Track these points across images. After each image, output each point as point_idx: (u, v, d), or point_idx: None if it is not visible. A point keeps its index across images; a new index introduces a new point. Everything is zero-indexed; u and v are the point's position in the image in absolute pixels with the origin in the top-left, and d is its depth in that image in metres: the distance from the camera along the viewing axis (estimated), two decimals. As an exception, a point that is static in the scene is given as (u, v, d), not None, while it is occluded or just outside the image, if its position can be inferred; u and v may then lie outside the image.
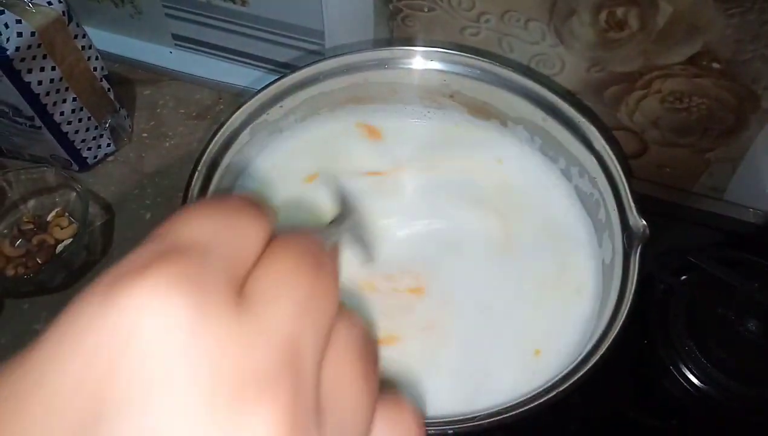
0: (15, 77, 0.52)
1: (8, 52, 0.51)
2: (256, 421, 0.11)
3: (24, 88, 0.54)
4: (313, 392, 0.13)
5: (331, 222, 0.21)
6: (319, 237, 0.16)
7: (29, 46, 0.52)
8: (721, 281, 0.46)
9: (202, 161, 0.37)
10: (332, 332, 0.14)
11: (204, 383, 0.11)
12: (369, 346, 0.15)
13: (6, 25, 0.51)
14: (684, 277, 0.48)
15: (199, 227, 0.14)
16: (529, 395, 0.30)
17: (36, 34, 0.52)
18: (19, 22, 0.51)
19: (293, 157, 0.44)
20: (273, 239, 0.15)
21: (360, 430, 0.14)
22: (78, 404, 0.11)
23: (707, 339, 0.46)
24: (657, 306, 0.48)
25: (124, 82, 0.68)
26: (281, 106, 0.43)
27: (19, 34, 0.51)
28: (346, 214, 0.22)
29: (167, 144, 0.64)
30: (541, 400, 0.29)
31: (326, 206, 0.42)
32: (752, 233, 0.54)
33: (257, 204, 0.15)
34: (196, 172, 0.37)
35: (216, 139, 0.38)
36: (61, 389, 0.11)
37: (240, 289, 0.13)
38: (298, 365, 0.12)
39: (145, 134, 0.65)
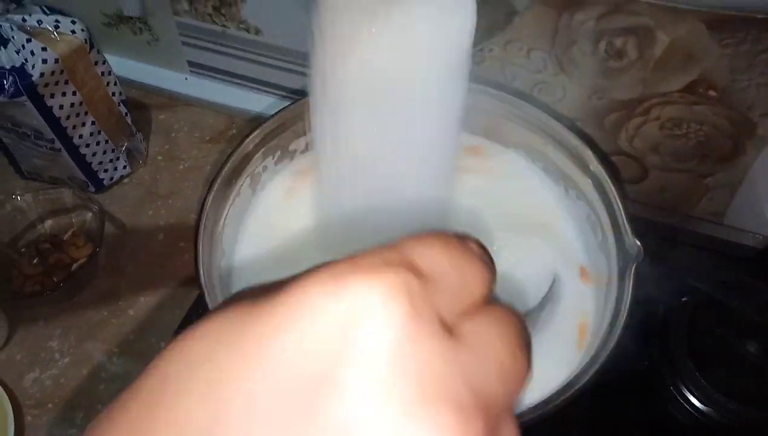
0: (38, 102, 0.55)
1: (33, 78, 0.53)
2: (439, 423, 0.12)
3: (46, 112, 0.56)
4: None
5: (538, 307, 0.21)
6: (528, 322, 0.17)
7: (53, 73, 0.55)
8: (721, 303, 0.47)
9: (217, 182, 0.39)
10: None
11: (408, 383, 0.12)
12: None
13: (32, 53, 0.53)
14: (684, 299, 0.49)
15: (438, 257, 0.15)
16: (525, 408, 0.31)
17: (59, 61, 0.55)
18: (44, 49, 0.54)
19: (304, 181, 0.46)
20: (492, 297, 0.16)
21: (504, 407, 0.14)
22: (303, 370, 0.13)
23: (707, 360, 0.46)
24: (657, 328, 0.49)
25: (140, 107, 0.70)
26: (293, 131, 0.45)
27: (44, 61, 0.54)
28: (549, 303, 0.22)
29: (181, 167, 0.66)
30: (537, 413, 0.30)
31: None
32: (751, 257, 0.55)
33: (488, 255, 0.16)
34: (211, 192, 0.38)
35: (231, 161, 0.40)
36: (292, 350, 0.13)
37: (450, 327, 0.14)
38: (489, 415, 0.13)
39: (159, 157, 0.67)
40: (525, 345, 0.15)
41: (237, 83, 0.70)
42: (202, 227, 0.37)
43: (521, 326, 0.16)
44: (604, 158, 0.41)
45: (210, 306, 0.35)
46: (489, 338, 0.14)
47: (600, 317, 0.38)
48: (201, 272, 0.36)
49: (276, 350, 0.13)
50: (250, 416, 0.12)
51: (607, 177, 0.40)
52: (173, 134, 0.69)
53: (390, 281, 0.13)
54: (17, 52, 0.53)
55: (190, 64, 0.71)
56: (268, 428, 0.12)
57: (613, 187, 0.40)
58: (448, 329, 0.14)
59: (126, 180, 0.65)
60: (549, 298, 0.22)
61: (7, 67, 0.53)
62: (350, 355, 0.13)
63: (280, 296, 0.14)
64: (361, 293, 0.13)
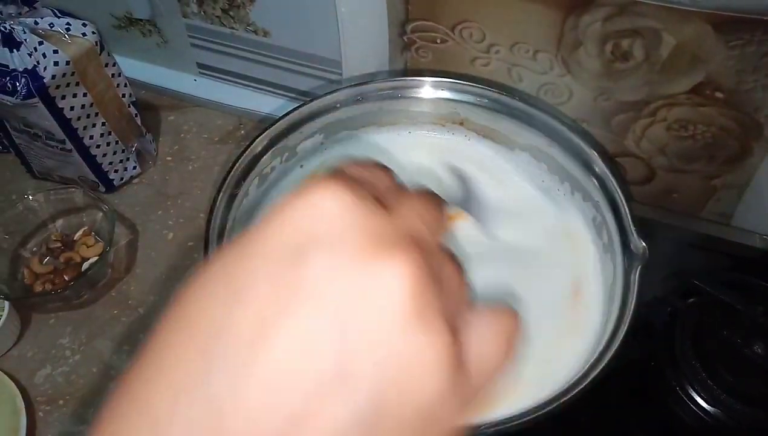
0: (50, 103, 0.56)
1: (45, 80, 0.54)
2: (392, 267, 0.16)
3: (57, 114, 0.57)
4: (434, 267, 0.18)
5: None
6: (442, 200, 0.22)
7: (64, 75, 0.55)
8: (727, 304, 0.47)
9: (227, 182, 0.40)
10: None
11: (364, 235, 0.17)
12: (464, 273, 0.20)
13: (44, 55, 0.54)
14: (691, 300, 0.49)
15: (355, 171, 0.21)
16: (531, 406, 0.31)
17: (71, 63, 0.55)
18: (56, 52, 0.54)
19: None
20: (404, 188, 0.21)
21: (463, 307, 0.19)
22: (282, 243, 0.17)
23: (713, 361, 0.46)
24: (664, 329, 0.49)
25: (150, 108, 0.71)
26: (301, 132, 0.45)
27: (56, 63, 0.54)
28: (464, 189, 0.28)
29: (190, 167, 0.67)
30: (544, 411, 0.30)
31: None
32: (759, 258, 0.55)
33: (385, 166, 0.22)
34: (221, 192, 0.39)
35: (240, 161, 0.41)
36: (270, 237, 0.17)
37: (383, 203, 0.19)
38: (423, 245, 0.18)
39: (169, 158, 0.68)
40: (439, 204, 0.21)
41: (245, 85, 0.71)
42: (212, 227, 0.37)
43: (434, 201, 0.21)
44: (609, 160, 0.42)
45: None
46: (410, 205, 0.20)
47: (607, 318, 0.38)
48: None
49: (260, 247, 0.17)
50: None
51: (612, 178, 0.41)
52: (182, 135, 0.70)
53: (337, 183, 0.18)
54: (29, 55, 0.54)
55: (199, 65, 0.72)
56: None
57: (618, 189, 0.40)
58: (379, 201, 0.19)
59: (136, 180, 0.66)
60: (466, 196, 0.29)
61: (20, 69, 0.54)
62: (317, 233, 0.17)
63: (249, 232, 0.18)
64: (319, 190, 0.17)
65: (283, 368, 0.15)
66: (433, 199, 0.21)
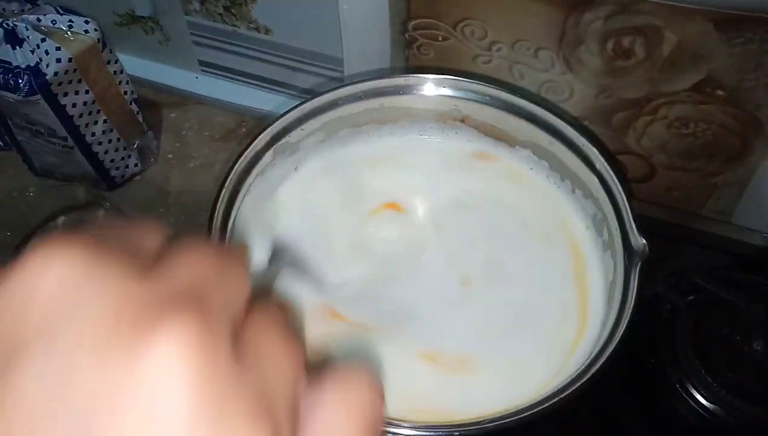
0: (52, 100, 0.56)
1: (47, 77, 0.54)
2: (163, 337, 0.11)
3: (59, 111, 0.57)
4: (224, 327, 0.13)
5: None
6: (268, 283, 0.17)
7: (66, 71, 0.56)
8: (728, 301, 0.47)
9: (229, 179, 0.40)
10: (250, 312, 0.15)
11: (107, 312, 0.12)
12: (288, 326, 0.15)
13: (46, 52, 0.54)
14: (691, 297, 0.49)
15: (100, 229, 0.15)
16: (530, 402, 0.31)
17: (73, 60, 0.56)
18: (58, 49, 0.55)
19: (313, 180, 0.47)
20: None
21: (285, 390, 0.14)
22: None
23: (714, 358, 0.46)
24: (664, 326, 0.49)
25: (151, 106, 0.71)
26: (302, 130, 0.45)
27: (58, 60, 0.55)
28: (278, 254, 0.24)
29: (191, 165, 0.67)
30: (543, 406, 0.31)
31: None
32: (759, 256, 0.55)
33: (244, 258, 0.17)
34: (223, 190, 0.39)
35: (241, 159, 0.41)
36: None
37: (232, 345, 0.13)
38: (203, 301, 0.13)
39: (170, 155, 0.68)
40: (292, 335, 0.15)
41: (247, 82, 0.71)
42: (215, 224, 0.38)
43: (285, 319, 0.15)
44: (609, 157, 0.42)
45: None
46: (263, 350, 0.14)
47: (607, 316, 0.39)
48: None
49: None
50: None
51: (613, 175, 0.41)
52: (184, 133, 0.70)
53: (65, 247, 0.13)
54: (32, 52, 0.54)
55: (201, 63, 0.72)
56: None
57: (619, 185, 0.40)
58: (232, 351, 0.13)
59: (137, 177, 0.66)
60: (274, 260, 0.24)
61: (22, 66, 0.54)
62: (40, 316, 0.12)
63: None
64: (39, 265, 0.13)
65: None
66: (280, 321, 0.15)
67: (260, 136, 0.42)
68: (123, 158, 0.64)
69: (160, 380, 0.11)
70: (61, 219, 0.61)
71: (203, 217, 0.62)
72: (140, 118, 0.65)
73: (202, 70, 0.73)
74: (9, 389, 0.11)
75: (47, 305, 0.12)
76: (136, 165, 0.66)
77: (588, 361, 0.34)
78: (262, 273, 0.18)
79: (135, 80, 0.64)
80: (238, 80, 0.71)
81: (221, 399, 0.11)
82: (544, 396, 0.31)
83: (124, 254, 0.13)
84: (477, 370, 0.38)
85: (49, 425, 0.11)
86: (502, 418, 0.30)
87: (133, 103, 0.64)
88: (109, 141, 0.62)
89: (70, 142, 0.60)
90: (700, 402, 0.46)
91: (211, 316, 0.13)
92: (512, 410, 0.30)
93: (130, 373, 0.11)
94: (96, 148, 0.61)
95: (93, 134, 0.61)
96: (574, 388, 0.32)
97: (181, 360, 0.11)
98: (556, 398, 0.31)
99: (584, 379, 0.32)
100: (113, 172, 0.64)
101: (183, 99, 0.72)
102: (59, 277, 0.12)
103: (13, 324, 0.12)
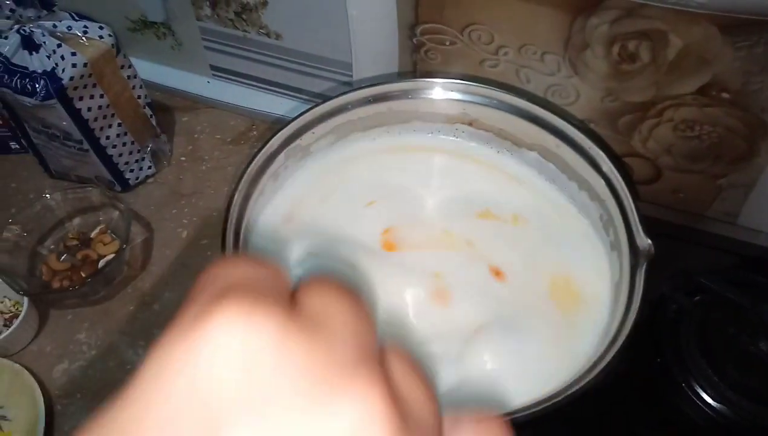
0: (67, 104, 0.57)
1: (63, 82, 0.55)
2: (357, 399, 0.13)
3: (75, 114, 0.58)
4: (400, 389, 0.14)
5: None
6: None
7: (81, 76, 0.57)
8: (733, 302, 0.48)
9: (243, 180, 0.41)
10: (381, 350, 0.15)
11: (302, 377, 0.13)
12: (417, 362, 0.16)
13: (62, 57, 0.55)
14: (697, 298, 0.50)
15: (239, 272, 0.15)
16: (537, 399, 0.32)
17: (88, 64, 0.57)
18: (73, 54, 0.56)
19: (322, 180, 0.47)
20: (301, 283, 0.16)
21: (432, 424, 0.15)
22: (190, 419, 0.12)
23: (719, 358, 0.47)
24: (669, 326, 0.49)
25: (164, 110, 0.72)
26: (313, 133, 0.46)
27: (74, 65, 0.56)
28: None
29: (203, 167, 0.68)
30: (548, 403, 0.31)
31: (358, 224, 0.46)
32: (764, 257, 0.56)
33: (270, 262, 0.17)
34: (237, 190, 0.40)
35: (255, 160, 0.42)
36: (171, 407, 0.12)
37: (289, 306, 0.14)
38: (372, 357, 0.14)
39: (183, 158, 0.69)
40: (352, 292, 0.16)
41: (258, 87, 0.72)
42: (229, 225, 0.38)
43: (342, 285, 0.16)
44: (616, 159, 0.42)
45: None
46: (323, 299, 0.15)
47: (613, 316, 0.39)
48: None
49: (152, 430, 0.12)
50: None
51: (619, 177, 0.41)
52: (196, 136, 0.71)
53: (232, 304, 0.13)
54: (48, 57, 0.55)
55: (213, 67, 0.73)
56: None
57: (625, 187, 0.41)
58: (288, 306, 0.14)
59: (151, 180, 0.67)
60: None
61: (39, 71, 0.55)
62: (237, 383, 0.13)
63: (136, 374, 0.13)
64: (217, 327, 0.13)
65: None
66: (350, 293, 0.16)
67: (273, 139, 0.43)
68: (137, 161, 0.65)
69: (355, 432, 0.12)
70: (76, 220, 0.62)
71: (215, 218, 0.63)
72: (153, 122, 0.66)
73: (214, 75, 0.74)
74: None
75: (244, 363, 0.12)
76: (149, 167, 0.67)
77: (593, 361, 0.34)
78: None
79: (148, 85, 0.65)
80: (248, 85, 0.72)
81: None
82: (550, 394, 0.32)
83: (279, 302, 0.14)
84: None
85: None
86: (507, 415, 0.30)
87: (147, 107, 0.65)
88: (123, 144, 0.63)
89: (86, 145, 0.61)
90: (706, 402, 0.46)
91: (383, 373, 0.14)
92: (517, 407, 0.31)
93: (326, 428, 0.12)
94: (110, 151, 0.63)
95: (108, 138, 0.62)
96: (580, 386, 0.32)
97: (376, 416, 0.13)
98: (562, 396, 0.32)
99: (590, 377, 0.33)
100: (127, 175, 0.65)
101: (195, 103, 0.74)
102: (246, 337, 0.13)
103: (212, 389, 0.12)
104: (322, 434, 0.12)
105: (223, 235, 0.38)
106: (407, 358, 0.15)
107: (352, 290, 0.16)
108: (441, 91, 0.48)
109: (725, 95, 0.49)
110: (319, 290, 0.15)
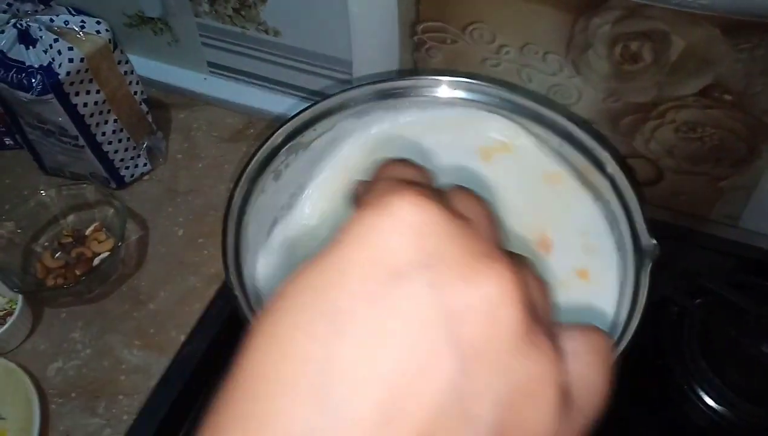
0: (64, 99, 0.56)
1: (59, 77, 0.55)
2: (498, 283, 0.15)
3: (71, 110, 0.57)
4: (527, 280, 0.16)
5: None
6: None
7: (78, 71, 0.56)
8: (735, 304, 0.48)
9: (243, 177, 0.40)
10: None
11: (449, 250, 0.16)
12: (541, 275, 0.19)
13: (59, 52, 0.55)
14: (698, 300, 0.50)
15: (409, 170, 0.21)
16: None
17: (85, 60, 0.56)
18: (70, 49, 0.55)
19: (326, 177, 0.47)
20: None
21: (554, 326, 0.17)
22: (374, 263, 0.16)
23: (721, 360, 0.47)
24: (671, 328, 0.49)
25: (161, 106, 0.71)
26: (314, 130, 0.46)
27: (70, 60, 0.55)
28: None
29: (200, 165, 0.67)
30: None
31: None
32: (765, 259, 0.55)
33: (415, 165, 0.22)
34: (238, 187, 0.40)
35: (256, 157, 0.41)
36: (369, 254, 0.16)
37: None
38: (505, 253, 0.17)
39: (179, 155, 0.68)
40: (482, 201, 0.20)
41: (255, 84, 0.71)
42: (229, 222, 0.38)
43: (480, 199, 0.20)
44: (620, 159, 0.42)
45: (236, 295, 0.36)
46: (474, 211, 0.19)
47: (616, 317, 0.39)
48: (228, 263, 0.37)
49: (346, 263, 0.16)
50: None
51: (624, 178, 0.41)
52: (192, 133, 0.70)
53: (407, 192, 0.17)
54: (45, 52, 0.55)
55: (210, 64, 0.72)
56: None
57: (630, 188, 0.41)
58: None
59: (146, 177, 0.67)
60: None
61: (35, 66, 0.55)
62: (409, 249, 0.16)
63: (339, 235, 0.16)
64: (401, 206, 0.16)
65: (396, 394, 0.14)
66: (478, 199, 0.20)
67: (275, 135, 0.43)
68: (132, 158, 0.65)
69: (496, 302, 0.15)
70: (70, 217, 0.62)
71: (212, 216, 0.62)
72: (150, 119, 0.65)
73: (211, 72, 0.73)
74: (403, 289, 0.15)
75: (418, 234, 0.16)
76: (145, 164, 0.66)
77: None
78: None
79: (144, 81, 0.65)
80: (246, 82, 0.72)
81: (532, 326, 0.16)
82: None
83: (443, 201, 0.17)
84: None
85: (429, 322, 0.15)
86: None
87: (143, 104, 0.64)
88: (119, 140, 0.63)
89: (81, 141, 0.60)
90: (707, 404, 0.46)
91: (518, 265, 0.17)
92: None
93: (476, 294, 0.15)
94: (106, 147, 0.62)
95: (103, 134, 0.61)
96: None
97: (511, 294, 0.15)
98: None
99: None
100: (123, 172, 0.65)
101: (192, 100, 0.73)
102: (420, 217, 0.16)
103: (398, 243, 0.16)
104: (466, 296, 0.15)
105: (224, 233, 0.37)
106: (531, 262, 0.18)
107: (487, 200, 0.20)
108: (446, 89, 0.47)
109: (727, 97, 0.49)
110: (465, 195, 0.19)
